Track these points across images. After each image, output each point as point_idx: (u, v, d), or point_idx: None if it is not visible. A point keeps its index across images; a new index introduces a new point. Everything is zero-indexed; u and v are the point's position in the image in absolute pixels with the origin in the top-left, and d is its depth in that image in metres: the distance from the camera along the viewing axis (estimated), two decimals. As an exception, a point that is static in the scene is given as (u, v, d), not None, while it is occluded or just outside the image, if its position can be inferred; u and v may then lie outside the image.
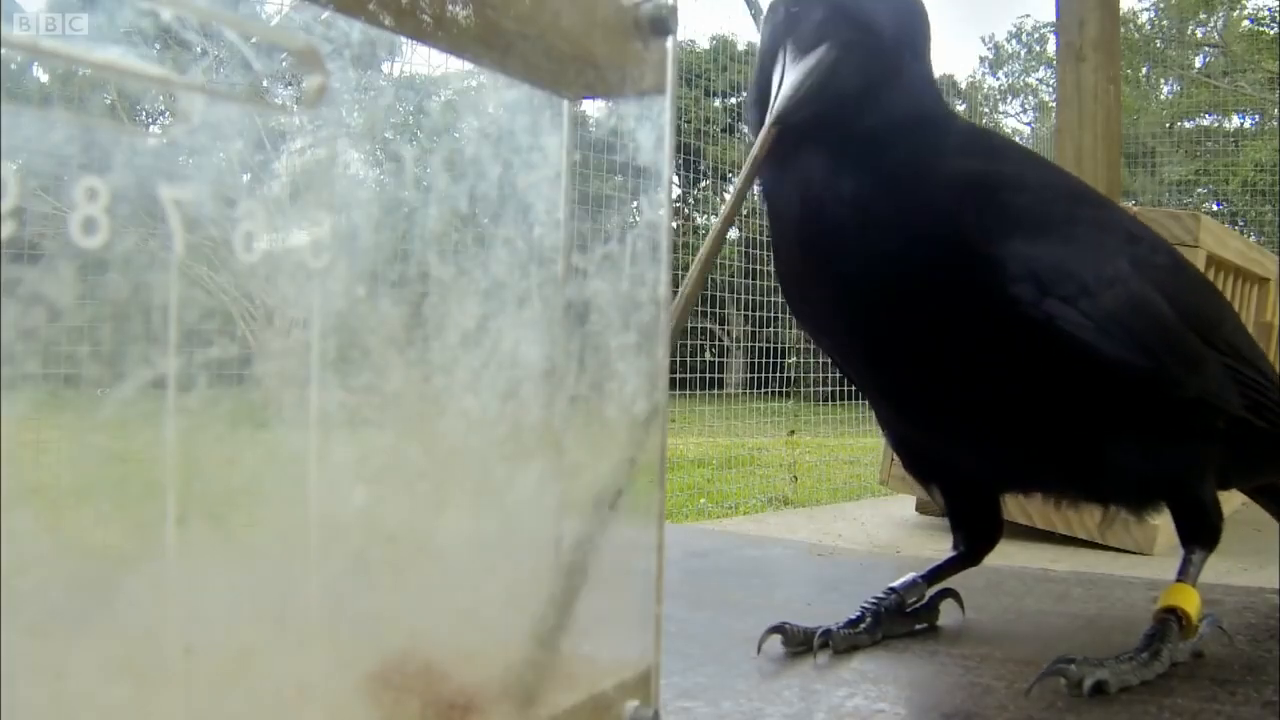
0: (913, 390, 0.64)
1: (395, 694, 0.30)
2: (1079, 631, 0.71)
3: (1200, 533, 0.63)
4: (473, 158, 0.32)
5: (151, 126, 0.27)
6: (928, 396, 0.63)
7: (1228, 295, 1.82)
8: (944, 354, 0.59)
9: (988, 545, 0.72)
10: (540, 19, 0.33)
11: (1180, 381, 0.60)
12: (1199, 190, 9.49)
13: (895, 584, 0.69)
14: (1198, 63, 10.88)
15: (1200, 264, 1.65)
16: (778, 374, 5.68)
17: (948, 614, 0.71)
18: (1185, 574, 0.62)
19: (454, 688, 0.31)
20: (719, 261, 6.74)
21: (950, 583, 0.71)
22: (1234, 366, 0.63)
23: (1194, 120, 10.39)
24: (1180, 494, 0.63)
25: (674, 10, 0.36)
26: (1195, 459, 0.63)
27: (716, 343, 7.07)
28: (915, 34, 0.61)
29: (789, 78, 0.56)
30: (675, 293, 0.42)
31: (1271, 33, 9.85)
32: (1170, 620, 0.60)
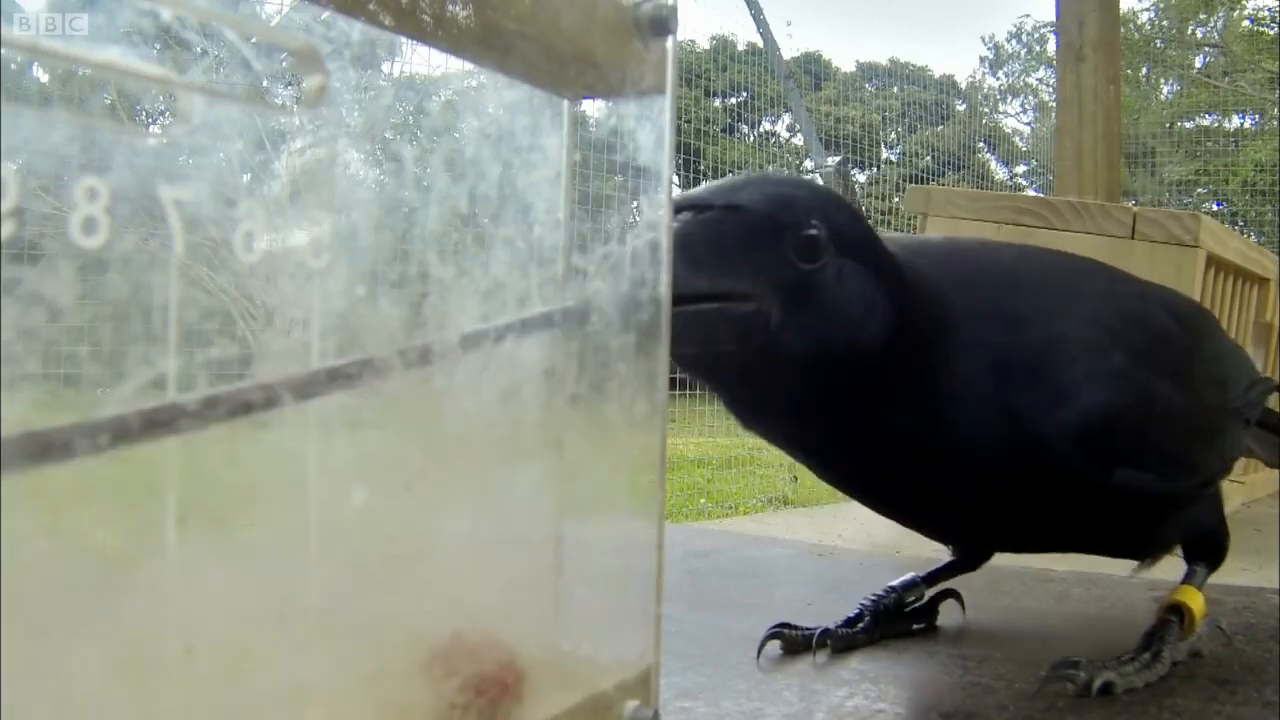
0: (942, 522, 0.62)
1: (442, 673, 0.30)
2: (1079, 631, 0.71)
3: (1207, 553, 0.64)
4: (473, 158, 0.32)
5: (151, 126, 0.27)
6: (958, 523, 0.62)
7: (1228, 295, 1.82)
8: (992, 507, 0.57)
9: (986, 557, 0.72)
10: (540, 19, 0.33)
11: (1215, 477, 0.62)
12: (1199, 190, 9.49)
13: (894, 583, 0.69)
14: (1198, 63, 10.88)
15: (1200, 264, 1.65)
16: (778, 374, 5.66)
17: (948, 614, 0.71)
18: (1190, 581, 0.63)
19: (494, 668, 0.31)
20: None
21: (950, 582, 0.71)
22: (1243, 408, 0.65)
23: (1194, 120, 10.39)
24: (1197, 532, 0.64)
25: (674, 10, 0.36)
26: (1214, 506, 0.64)
27: (716, 343, 7.05)
28: (828, 214, 0.48)
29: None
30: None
31: (1271, 33, 9.85)
32: (1172, 621, 0.60)
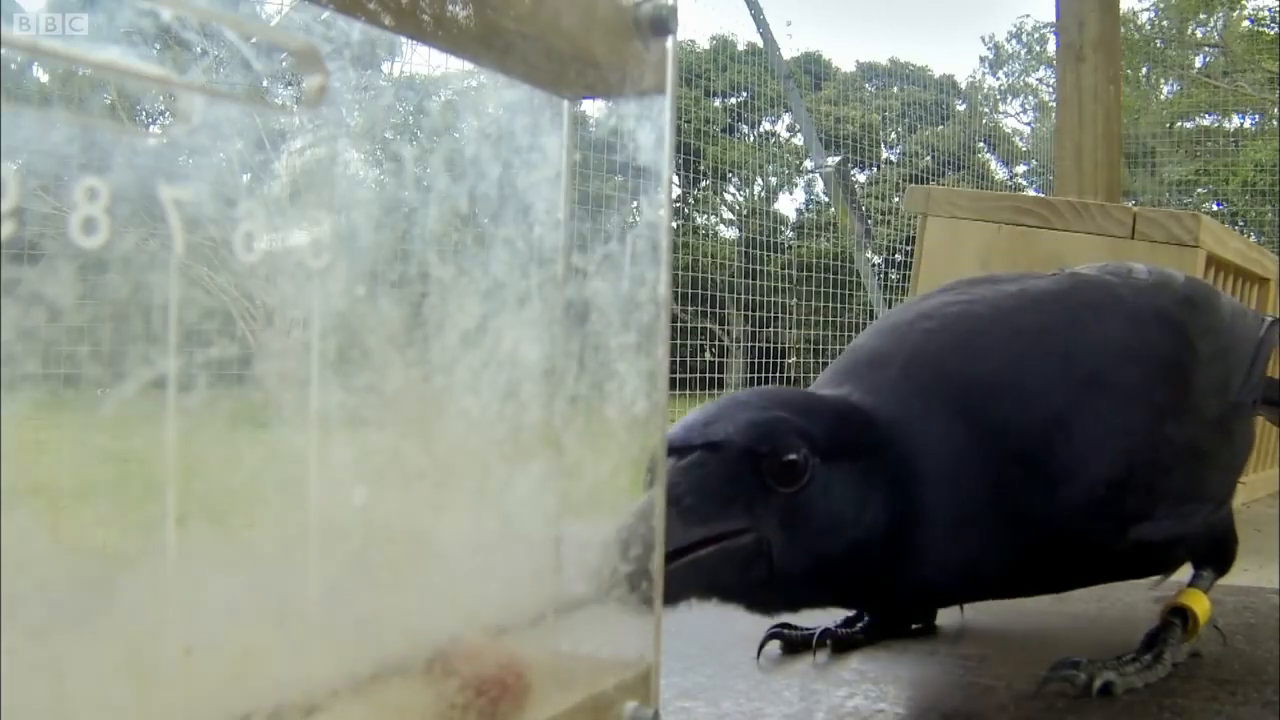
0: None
1: (442, 673, 0.30)
2: (1079, 631, 0.71)
3: (1215, 558, 0.64)
4: (473, 158, 0.32)
5: (151, 126, 0.27)
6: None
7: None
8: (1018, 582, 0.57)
9: None
10: (540, 19, 0.33)
11: (1231, 490, 0.62)
12: (1199, 190, 9.48)
13: (895, 583, 0.69)
14: (1198, 63, 10.88)
15: (1200, 264, 1.65)
16: (778, 374, 5.68)
17: (948, 614, 0.71)
18: (1197, 584, 0.63)
19: (494, 668, 0.31)
20: (719, 261, 6.73)
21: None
22: (1246, 395, 0.63)
23: (1194, 120, 10.39)
24: (1207, 538, 0.63)
25: (674, 10, 0.36)
26: (1225, 513, 0.63)
27: (716, 343, 7.07)
28: (807, 428, 0.48)
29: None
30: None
31: (1271, 33, 9.85)
32: (1175, 623, 0.60)
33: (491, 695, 0.31)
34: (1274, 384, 0.72)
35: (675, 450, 0.47)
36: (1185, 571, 0.64)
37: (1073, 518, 0.52)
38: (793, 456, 0.47)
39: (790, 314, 5.88)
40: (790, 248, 7.85)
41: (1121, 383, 0.54)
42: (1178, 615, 0.60)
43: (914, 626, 0.69)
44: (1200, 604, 0.61)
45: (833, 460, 0.48)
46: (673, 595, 0.42)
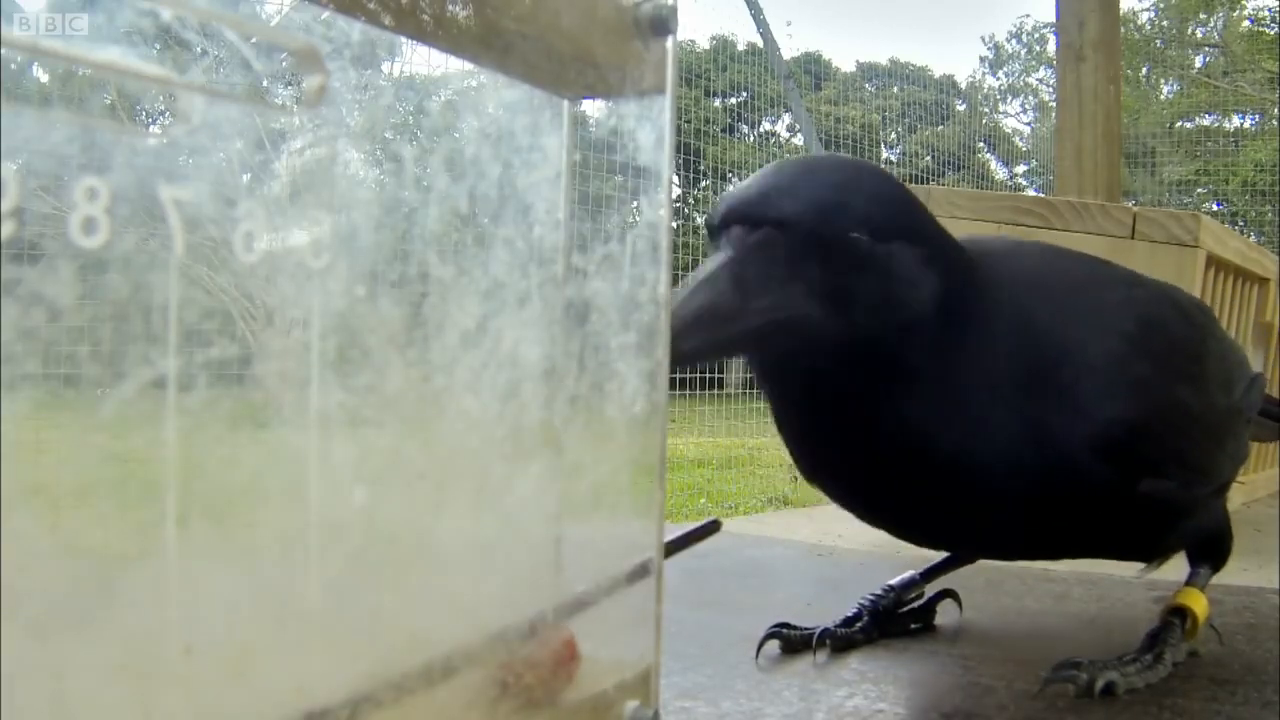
0: (952, 529, 0.61)
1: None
2: (1079, 631, 0.71)
3: (1211, 554, 0.64)
4: (473, 158, 0.32)
5: (151, 126, 0.27)
6: (969, 530, 0.61)
7: (1228, 295, 1.82)
8: (1006, 514, 0.56)
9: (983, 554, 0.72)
10: (540, 19, 0.33)
11: (1229, 480, 0.62)
12: (1199, 190, 9.48)
13: (893, 581, 0.69)
14: (1198, 63, 10.88)
15: (1200, 264, 1.65)
16: (778, 374, 5.66)
17: (947, 613, 0.71)
18: (1194, 582, 0.63)
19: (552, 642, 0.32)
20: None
21: (951, 583, 0.71)
22: (1245, 407, 0.65)
23: (1194, 120, 10.39)
24: (1203, 533, 0.64)
25: (674, 10, 0.36)
26: (1220, 508, 0.64)
27: (716, 343, 7.05)
28: (870, 211, 0.50)
29: (676, 302, 0.45)
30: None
31: (1271, 33, 9.84)
32: (1174, 622, 0.60)
33: (548, 668, 0.32)
34: (1273, 401, 0.73)
35: (746, 219, 0.49)
36: (1181, 570, 0.64)
37: (1090, 450, 0.53)
38: (855, 236, 0.49)
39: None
40: (790, 248, 7.82)
41: (1149, 344, 0.56)
42: (1177, 615, 0.60)
43: (913, 626, 0.69)
44: (1198, 603, 0.61)
45: (896, 240, 0.50)
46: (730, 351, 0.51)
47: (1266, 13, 9.87)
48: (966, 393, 0.52)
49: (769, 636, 0.63)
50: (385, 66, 0.32)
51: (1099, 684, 0.55)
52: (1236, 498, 1.85)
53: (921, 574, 0.70)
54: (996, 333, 0.53)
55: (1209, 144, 9.67)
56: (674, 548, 0.58)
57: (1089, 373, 0.54)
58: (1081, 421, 0.53)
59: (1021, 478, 0.53)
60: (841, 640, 0.64)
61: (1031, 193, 9.50)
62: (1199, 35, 10.74)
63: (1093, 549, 0.62)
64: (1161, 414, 0.56)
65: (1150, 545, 0.61)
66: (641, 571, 0.36)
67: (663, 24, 0.36)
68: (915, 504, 0.56)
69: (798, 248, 0.49)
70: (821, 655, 0.63)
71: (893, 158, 10.27)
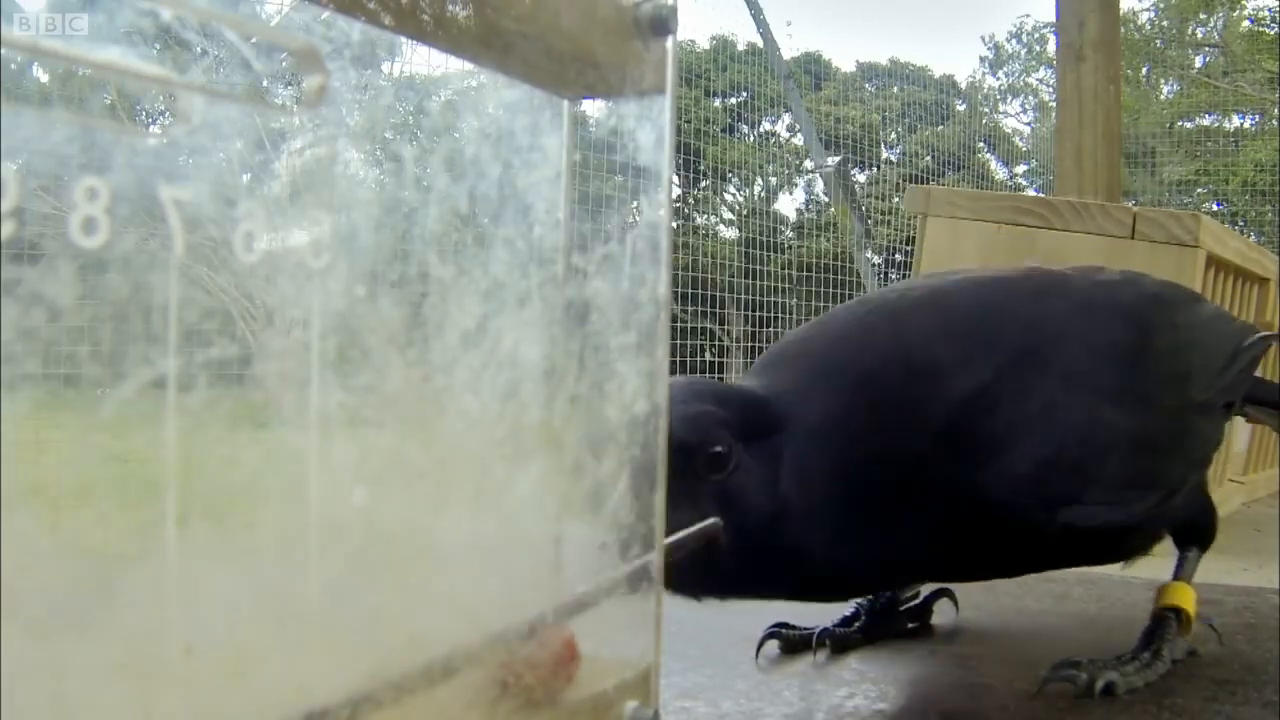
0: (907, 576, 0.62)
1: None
2: (1079, 631, 0.71)
3: (1196, 535, 0.63)
4: (473, 158, 0.32)
5: (151, 126, 0.27)
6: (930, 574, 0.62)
7: (1228, 295, 1.82)
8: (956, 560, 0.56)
9: None
10: (540, 19, 0.33)
11: (1183, 485, 0.59)
12: (1199, 190, 9.47)
13: (893, 582, 0.69)
14: (1198, 63, 10.87)
15: (1200, 264, 1.65)
16: (778, 374, 5.66)
17: (947, 613, 0.71)
18: (1182, 572, 0.63)
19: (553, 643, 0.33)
20: (719, 261, 6.73)
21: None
22: (1215, 396, 0.62)
23: (1194, 120, 10.38)
24: (1182, 520, 0.62)
25: (674, 10, 0.36)
26: (1195, 492, 0.62)
27: (716, 343, 7.07)
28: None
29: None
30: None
31: (1271, 33, 9.84)
32: (1169, 618, 0.60)
33: (548, 668, 0.32)
34: (1267, 386, 0.71)
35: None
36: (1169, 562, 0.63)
37: (996, 494, 0.51)
38: (718, 449, 0.48)
39: (790, 314, 5.88)
40: (790, 248, 7.85)
41: (1057, 362, 0.53)
42: (1170, 612, 0.60)
43: (910, 626, 0.69)
44: (1185, 597, 0.60)
45: (749, 445, 0.49)
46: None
47: (1266, 13, 9.87)
48: (852, 514, 0.50)
49: (768, 636, 0.63)
50: (385, 66, 0.32)
51: (1099, 684, 0.55)
52: (1236, 498, 1.85)
53: (920, 573, 0.70)
54: (849, 442, 0.50)
55: (1209, 144, 9.67)
56: (674, 549, 0.58)
57: (984, 414, 0.51)
58: (983, 468, 0.51)
59: (940, 535, 0.52)
60: (841, 640, 0.64)
61: (1031, 193, 9.50)
62: (1199, 35, 10.74)
63: (1059, 564, 0.61)
64: (1074, 441, 0.52)
65: (1113, 550, 0.60)
66: (642, 572, 0.36)
67: (663, 24, 0.36)
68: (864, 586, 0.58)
69: (682, 460, 0.45)
70: (821, 655, 0.63)
71: (893, 158, 10.27)
